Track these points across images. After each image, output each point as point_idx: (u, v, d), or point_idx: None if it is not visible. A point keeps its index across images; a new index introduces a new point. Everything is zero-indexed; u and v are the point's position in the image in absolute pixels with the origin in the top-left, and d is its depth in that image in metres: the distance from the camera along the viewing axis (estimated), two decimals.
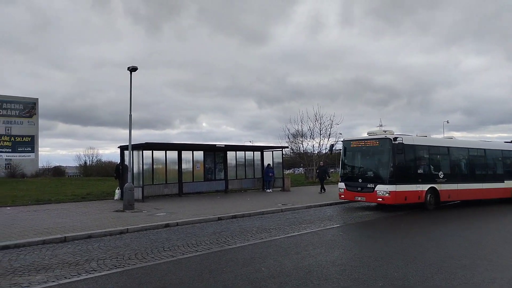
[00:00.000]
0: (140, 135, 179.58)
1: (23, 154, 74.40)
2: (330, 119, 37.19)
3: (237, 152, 24.17)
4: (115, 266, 7.06)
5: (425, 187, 15.13)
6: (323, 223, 12.15)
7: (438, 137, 18.90)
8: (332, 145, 20.67)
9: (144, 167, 18.75)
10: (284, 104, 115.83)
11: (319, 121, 36.86)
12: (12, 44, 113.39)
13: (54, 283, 6.02)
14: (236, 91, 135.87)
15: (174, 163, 20.73)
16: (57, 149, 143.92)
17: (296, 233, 10.38)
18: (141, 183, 18.23)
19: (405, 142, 14.44)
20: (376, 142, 15.09)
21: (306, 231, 10.79)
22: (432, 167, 15.86)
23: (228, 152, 23.44)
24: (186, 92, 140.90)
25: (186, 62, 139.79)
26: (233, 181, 23.76)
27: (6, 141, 74.21)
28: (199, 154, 22.11)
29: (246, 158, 24.61)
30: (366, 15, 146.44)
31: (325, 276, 6.33)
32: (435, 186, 15.46)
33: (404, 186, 14.46)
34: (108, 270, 6.81)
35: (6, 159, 64.13)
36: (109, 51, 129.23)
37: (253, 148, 26.37)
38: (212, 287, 5.89)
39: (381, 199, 14.49)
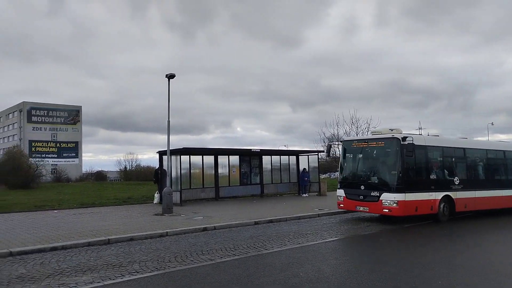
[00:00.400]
0: (177, 141, 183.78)
1: (68, 159, 78.35)
2: (367, 122, 36.57)
3: (272, 156, 24.19)
4: (156, 268, 7.26)
5: (439, 195, 13.02)
6: (361, 229, 11.94)
7: (454, 139, 15.92)
8: (329, 146, 17.62)
9: (181, 171, 19.15)
10: (318, 107, 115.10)
11: (356, 125, 36.35)
12: (56, 55, 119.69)
13: (100, 284, 6.27)
14: (270, 95, 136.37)
15: (210, 168, 21.05)
16: (99, 155, 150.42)
17: (334, 238, 10.25)
18: (179, 187, 18.63)
19: (416, 143, 12.27)
20: (381, 142, 12.91)
21: (343, 236, 10.62)
22: (446, 171, 13.84)
23: (263, 156, 23.51)
24: (220, 98, 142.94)
25: (220, 68, 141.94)
26: (268, 185, 23.79)
27: (52, 147, 78.50)
28: (234, 159, 22.33)
29: (281, 162, 24.57)
30: (402, 16, 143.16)
31: (365, 282, 6.21)
32: (450, 194, 13.37)
33: (415, 194, 12.31)
34: (149, 272, 7.00)
35: (52, 164, 67.65)
36: (146, 59, 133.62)
37: (288, 153, 26.29)
38: None
39: (387, 210, 12.16)
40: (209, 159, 21.01)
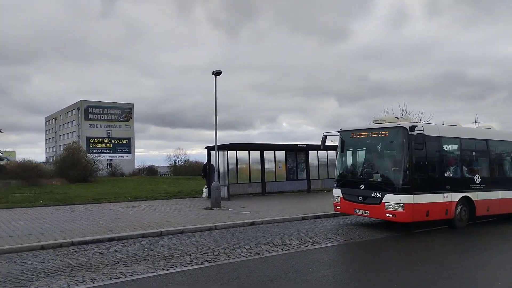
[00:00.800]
0: (224, 136, 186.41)
1: (121, 155, 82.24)
2: (418, 116, 35.03)
3: (319, 151, 23.93)
4: (206, 260, 7.46)
5: (456, 196, 10.82)
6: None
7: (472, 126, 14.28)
8: (324, 137, 12.85)
9: (229, 166, 19.48)
10: (366, 101, 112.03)
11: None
12: (110, 55, 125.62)
13: (154, 274, 6.56)
14: (316, 90, 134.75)
15: (257, 163, 21.22)
16: (150, 150, 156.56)
17: (382, 236, 10.00)
18: (226, 182, 18.97)
19: (427, 133, 9.99)
20: (385, 132, 10.84)
21: (392, 234, 10.32)
22: (465, 168, 11.61)
23: (309, 151, 23.32)
24: (266, 93, 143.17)
25: (265, 64, 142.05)
26: (315, 181, 23.56)
27: (107, 143, 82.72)
28: (281, 154, 22.32)
29: (328, 157, 24.21)
30: (456, 4, 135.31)
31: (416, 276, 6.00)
32: (469, 195, 11.13)
33: (426, 196, 10.18)
34: (200, 264, 7.22)
35: (107, 159, 71.42)
36: (193, 57, 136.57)
37: (335, 148, 25.78)
38: (298, 286, 5.93)
39: (390, 215, 10.05)
40: (255, 155, 21.18)
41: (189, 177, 44.09)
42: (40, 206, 16.28)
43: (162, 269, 6.87)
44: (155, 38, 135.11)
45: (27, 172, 34.01)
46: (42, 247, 8.53)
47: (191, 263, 7.29)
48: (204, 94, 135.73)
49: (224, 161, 19.28)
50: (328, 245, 8.88)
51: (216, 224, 11.35)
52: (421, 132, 9.78)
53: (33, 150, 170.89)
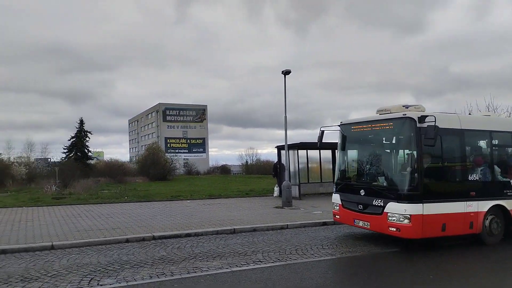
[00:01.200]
0: (294, 135, 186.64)
1: (196, 154, 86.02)
2: (507, 110, 31.90)
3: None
4: (279, 259, 7.51)
5: (484, 205, 8.54)
6: None
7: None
8: (321, 132, 10.60)
9: (299, 166, 19.38)
10: (446, 96, 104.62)
11: (494, 114, 32.06)
12: (184, 59, 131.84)
13: (228, 270, 6.77)
14: (390, 85, 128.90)
15: (328, 162, 20.84)
16: (223, 150, 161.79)
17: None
18: (297, 181, 18.91)
19: (443, 125, 7.97)
20: (388, 125, 8.69)
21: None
22: (498, 169, 9.15)
23: None
24: (337, 91, 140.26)
25: (336, 61, 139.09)
26: None
27: (184, 143, 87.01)
28: None
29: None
30: None
31: None
32: (504, 204, 8.84)
33: (441, 205, 7.99)
34: (272, 262, 7.29)
35: (184, 158, 75.13)
36: (263, 57, 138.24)
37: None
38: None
39: (394, 229, 7.92)
40: (326, 154, 20.79)
41: (260, 176, 44.75)
42: (125, 202, 17.62)
43: (236, 265, 7.05)
44: (226, 41, 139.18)
45: (114, 171, 37.08)
46: (127, 240, 9.22)
47: (263, 261, 7.39)
48: (274, 94, 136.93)
49: (295, 160, 19.21)
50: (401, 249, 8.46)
51: (288, 223, 11.36)
52: (432, 123, 7.59)
53: (119, 150, 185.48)
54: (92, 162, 49.33)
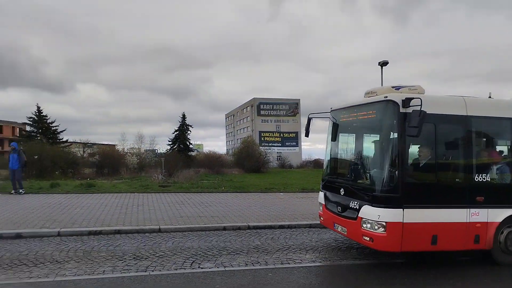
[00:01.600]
0: None
1: (289, 148, 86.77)
2: None
3: None
4: (373, 257, 7.29)
5: (498, 214, 6.70)
6: None
7: None
8: (308, 120, 8.93)
9: None
10: None
11: None
12: (277, 54, 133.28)
13: (321, 264, 6.74)
14: (505, 74, 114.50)
15: None
16: (316, 144, 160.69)
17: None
18: None
19: (436, 110, 6.43)
20: (370, 110, 7.15)
21: None
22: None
23: None
24: (442, 82, 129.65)
25: (439, 49, 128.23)
26: None
27: (277, 137, 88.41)
28: None
29: None
30: None
31: None
32: None
33: (430, 211, 6.38)
34: (367, 260, 7.12)
35: (277, 152, 76.35)
36: (357, 49, 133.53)
37: None
38: None
39: (368, 239, 6.45)
40: None
41: None
42: (222, 192, 18.51)
43: (329, 260, 6.99)
44: (319, 34, 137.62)
45: (212, 162, 39.22)
46: (224, 228, 9.70)
47: (358, 258, 7.20)
48: (369, 86, 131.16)
49: None
50: None
51: None
52: (418, 107, 5.95)
53: (216, 143, 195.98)
54: (193, 153, 52.91)
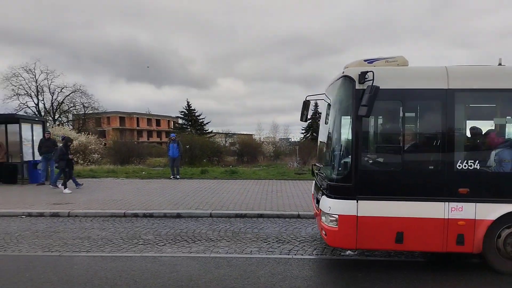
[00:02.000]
0: None
1: None
2: None
3: None
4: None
5: (488, 210, 5.21)
6: None
7: None
8: (304, 103, 7.50)
9: None
10: None
11: None
12: (417, 31, 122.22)
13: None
14: None
15: None
16: None
17: None
18: None
19: (396, 85, 5.30)
20: (335, 90, 5.96)
21: None
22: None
23: None
24: None
25: None
26: None
27: None
28: None
29: None
30: None
31: None
32: None
33: (392, 204, 5.29)
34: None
35: None
36: None
37: None
38: None
39: (324, 233, 5.65)
40: None
41: None
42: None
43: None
44: (466, 2, 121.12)
45: None
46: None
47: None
48: None
49: None
50: None
51: None
52: (370, 82, 5.10)
53: None
54: None
